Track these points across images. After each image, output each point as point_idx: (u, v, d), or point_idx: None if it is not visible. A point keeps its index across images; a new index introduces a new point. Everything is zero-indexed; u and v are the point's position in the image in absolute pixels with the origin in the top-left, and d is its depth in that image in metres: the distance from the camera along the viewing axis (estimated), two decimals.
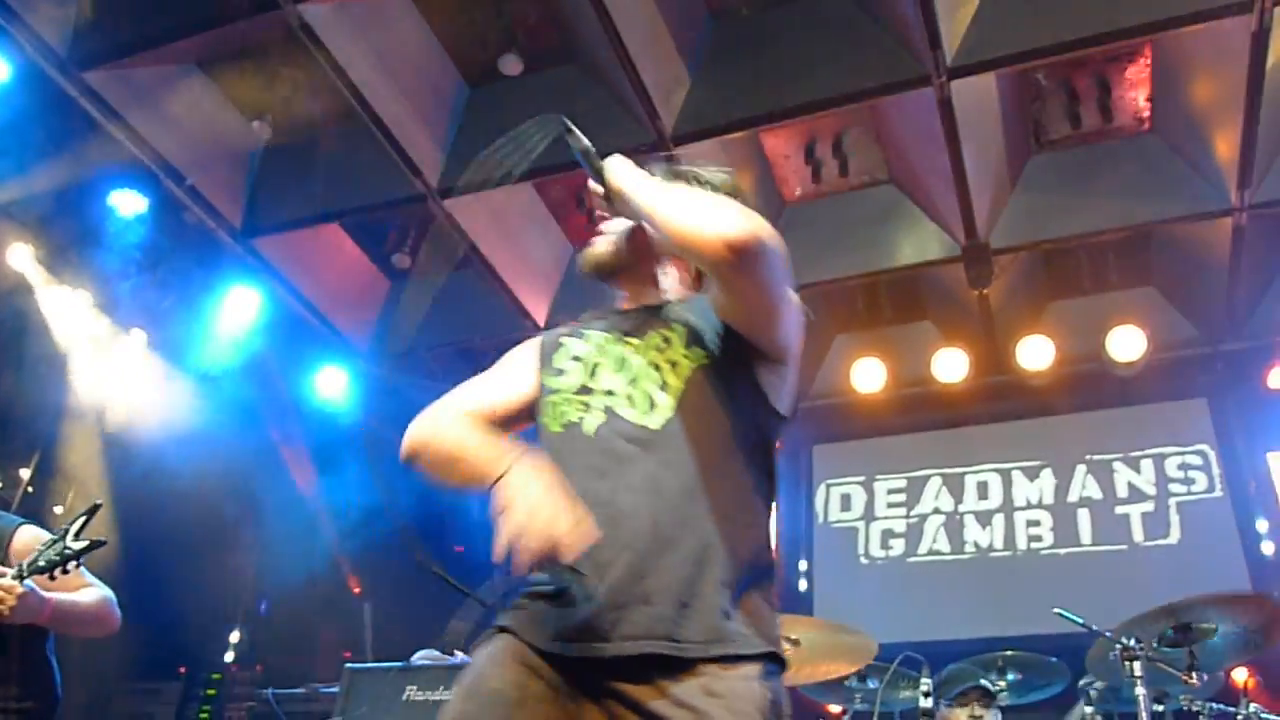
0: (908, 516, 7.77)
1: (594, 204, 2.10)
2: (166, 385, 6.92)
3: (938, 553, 7.59)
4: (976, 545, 7.52)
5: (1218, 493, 7.06)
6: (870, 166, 6.50)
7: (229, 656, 7.44)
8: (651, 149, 5.76)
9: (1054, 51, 5.26)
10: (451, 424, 1.98)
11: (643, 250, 2.08)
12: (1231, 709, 4.02)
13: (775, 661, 1.75)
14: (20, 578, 2.85)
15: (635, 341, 1.96)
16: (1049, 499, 7.49)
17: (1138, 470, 7.36)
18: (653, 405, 1.86)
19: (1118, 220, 6.29)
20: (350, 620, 7.67)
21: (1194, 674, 3.80)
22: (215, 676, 6.45)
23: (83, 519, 2.97)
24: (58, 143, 5.75)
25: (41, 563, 2.89)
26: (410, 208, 6.47)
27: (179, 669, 6.95)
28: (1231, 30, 4.98)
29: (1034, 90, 5.96)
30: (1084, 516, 7.33)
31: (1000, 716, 4.54)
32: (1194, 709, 4.03)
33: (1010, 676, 4.75)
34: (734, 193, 2.03)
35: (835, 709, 5.55)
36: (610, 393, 1.90)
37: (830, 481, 8.16)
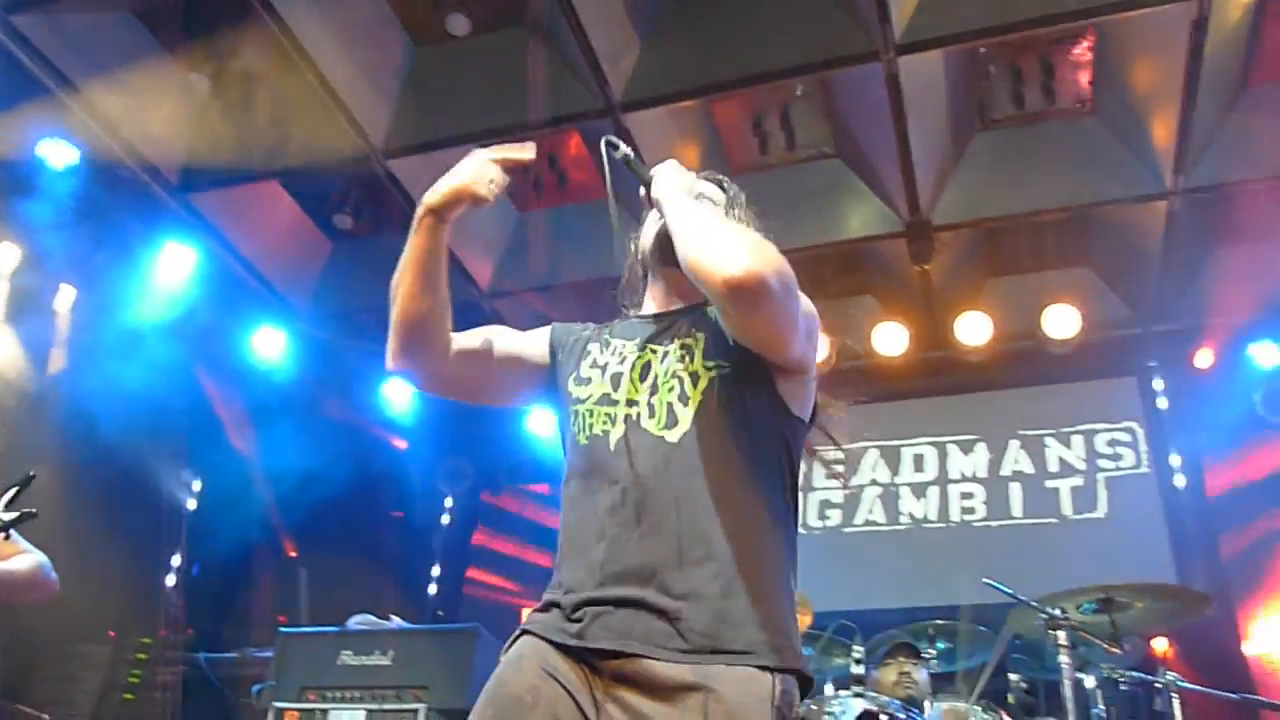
0: (845, 487, 7.87)
1: (647, 206, 2.13)
2: (97, 342, 6.76)
3: (874, 523, 7.70)
4: (911, 516, 7.64)
5: (1144, 469, 7.25)
6: (817, 140, 6.52)
7: (160, 620, 7.33)
8: (599, 116, 5.73)
9: (1000, 31, 5.32)
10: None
11: None
12: (1150, 677, 4.15)
13: (799, 677, 1.77)
14: None
15: (658, 350, 1.98)
16: (983, 472, 7.63)
17: (1068, 446, 7.52)
18: (673, 418, 1.88)
19: (1057, 200, 6.39)
20: (285, 584, 7.60)
21: (1115, 643, 3.91)
22: (145, 640, 6.34)
23: (14, 490, 2.91)
24: None
25: None
26: (354, 167, 6.37)
27: (108, 632, 6.84)
28: (1173, 17, 5.07)
29: (980, 69, 6.01)
30: (1016, 490, 7.48)
31: (927, 675, 4.64)
32: (1115, 677, 4.16)
33: (940, 645, 4.86)
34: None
35: None
36: (632, 403, 1.92)
37: None
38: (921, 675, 4.63)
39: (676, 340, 1.97)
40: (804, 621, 4.50)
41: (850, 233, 6.71)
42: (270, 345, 7.36)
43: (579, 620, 1.75)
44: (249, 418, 7.59)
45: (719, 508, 1.79)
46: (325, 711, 4.18)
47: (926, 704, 4.35)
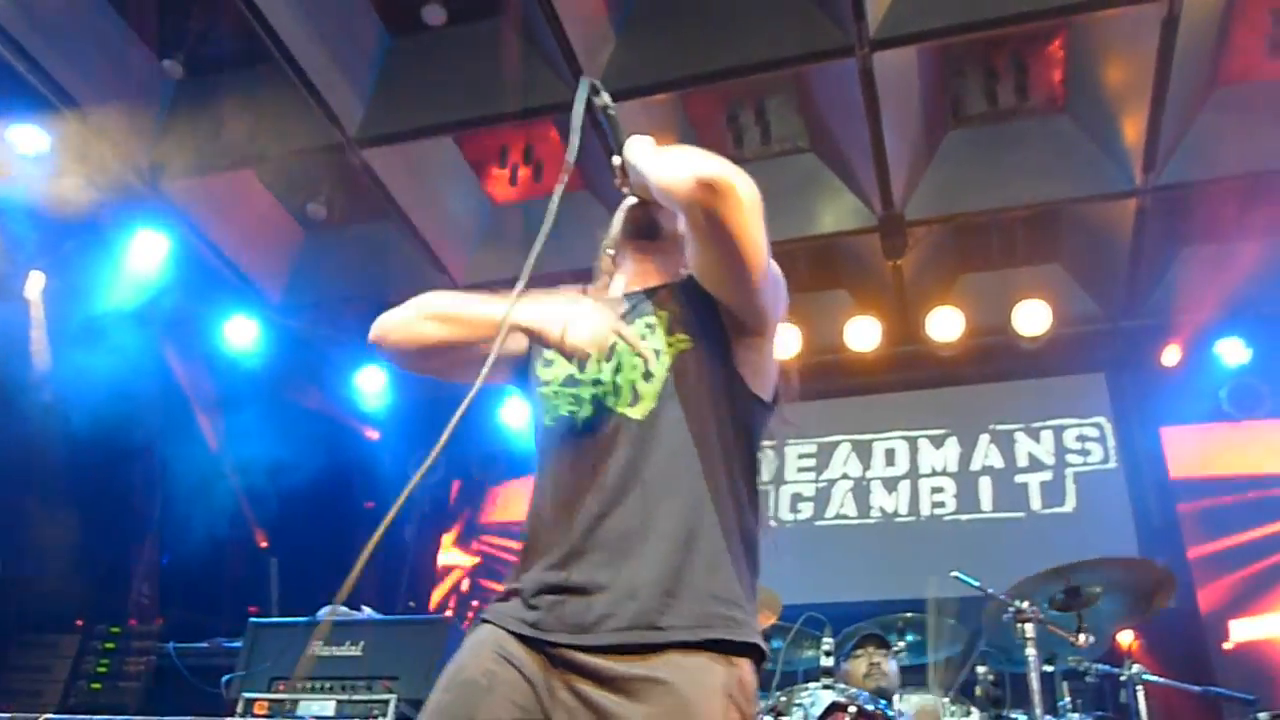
0: (817, 481, 7.92)
1: (617, 179, 2.15)
2: (68, 330, 6.70)
3: (845, 517, 7.75)
4: (882, 510, 7.69)
5: (1112, 464, 7.33)
6: (791, 134, 6.54)
7: (129, 609, 7.28)
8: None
9: (974, 28, 5.35)
10: (438, 295, 2.05)
11: (667, 226, 2.12)
12: (1116, 670, 4.21)
13: (754, 652, 1.79)
14: None
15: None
16: (953, 467, 7.69)
17: (1038, 440, 7.60)
18: (637, 396, 1.89)
19: (1028, 197, 6.45)
20: (256, 574, 7.57)
21: (1082, 636, 3.96)
22: (114, 629, 6.28)
23: None
24: None
25: None
26: (327, 156, 6.33)
27: (76, 621, 6.79)
28: (1144, 16, 5.12)
29: (953, 66, 6.05)
30: (985, 484, 7.55)
31: (897, 667, 4.68)
32: (1081, 669, 4.22)
33: (910, 637, 4.91)
34: None
35: None
36: (597, 383, 1.92)
37: None
38: (891, 667, 4.68)
39: (641, 319, 1.98)
40: (769, 618, 4.53)
41: (824, 227, 6.73)
42: (242, 334, 7.32)
43: (537, 608, 1.76)
44: (220, 407, 7.55)
45: (684, 484, 1.81)
46: (295, 702, 4.17)
47: (895, 697, 4.40)
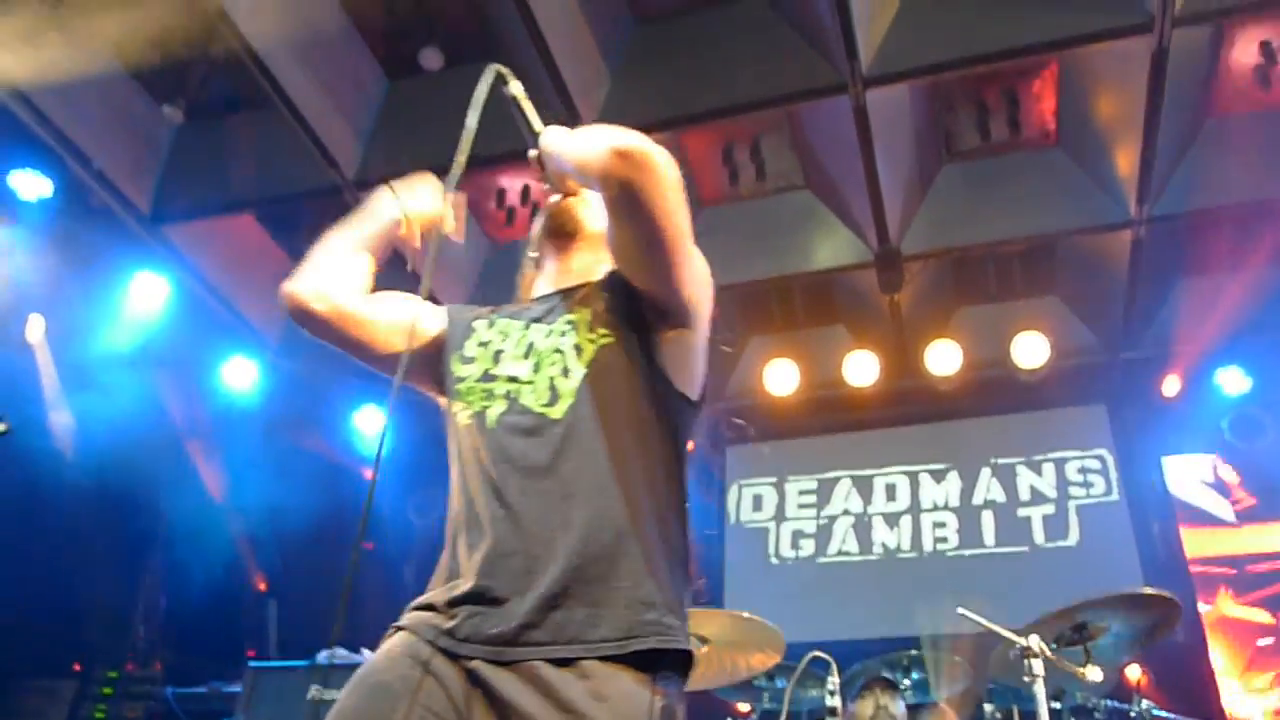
0: (818, 517, 7.88)
1: (533, 173, 2.11)
2: (67, 373, 6.70)
3: (847, 553, 7.71)
4: (884, 546, 7.66)
5: (1115, 496, 7.30)
6: (786, 172, 6.58)
7: (127, 654, 7.23)
8: None
9: (965, 64, 5.40)
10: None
11: (588, 224, 2.07)
12: (1125, 706, 4.17)
13: (680, 662, 1.69)
14: None
15: (543, 327, 1.92)
16: (955, 501, 7.67)
17: (1039, 473, 7.57)
18: (555, 393, 1.80)
19: (1023, 230, 6.47)
20: (254, 618, 7.52)
21: (1090, 669, 3.92)
22: (112, 674, 6.26)
23: None
24: None
25: None
26: (326, 199, 6.36)
27: (74, 666, 6.74)
28: (1133, 49, 5.16)
29: (946, 102, 6.10)
30: (988, 518, 7.52)
31: (904, 706, 4.64)
32: (1090, 705, 4.17)
33: (915, 675, 4.86)
34: None
35: (744, 708, 5.61)
36: (514, 379, 1.85)
37: (742, 482, 8.24)
38: (899, 709, 4.62)
39: (562, 316, 1.91)
40: (773, 658, 4.49)
41: (820, 263, 6.76)
42: (241, 376, 7.32)
43: (454, 619, 1.67)
44: (219, 449, 7.54)
45: (605, 484, 1.72)
46: None
47: None
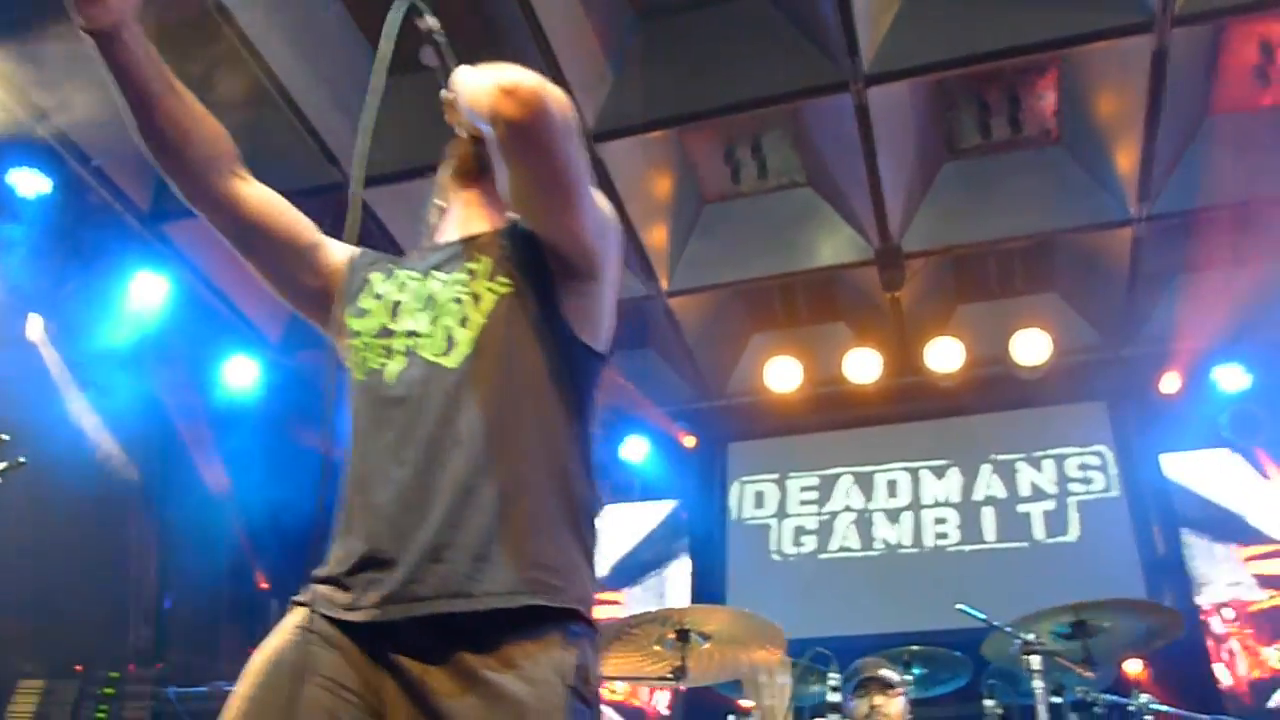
0: (819, 514, 7.90)
1: (447, 115, 2.02)
2: (66, 371, 6.71)
3: (848, 549, 7.72)
4: (886, 542, 7.67)
5: (1114, 492, 7.32)
6: (788, 169, 6.59)
7: (128, 654, 7.23)
8: None
9: (966, 63, 5.41)
10: None
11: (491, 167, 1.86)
12: (1124, 700, 4.18)
13: (581, 620, 1.62)
14: None
15: (443, 277, 1.83)
16: (955, 497, 7.68)
17: (1039, 470, 7.59)
18: (451, 343, 1.73)
19: (1024, 228, 6.49)
20: (257, 617, 7.52)
21: (1089, 667, 3.94)
22: (113, 675, 6.25)
23: None
24: None
25: None
26: (326, 196, 6.36)
27: (74, 667, 6.74)
28: (1134, 49, 5.17)
29: (947, 100, 6.11)
30: (988, 514, 7.53)
31: (904, 704, 4.64)
32: (1089, 700, 4.18)
33: (916, 670, 4.86)
34: None
35: (746, 704, 5.62)
36: (413, 333, 1.77)
37: (744, 478, 8.25)
38: (895, 708, 4.62)
39: (463, 265, 1.82)
40: (775, 654, 4.50)
41: (822, 260, 6.77)
42: (242, 374, 7.32)
43: (351, 588, 1.60)
44: (220, 447, 7.54)
45: (500, 436, 1.65)
46: None
47: None
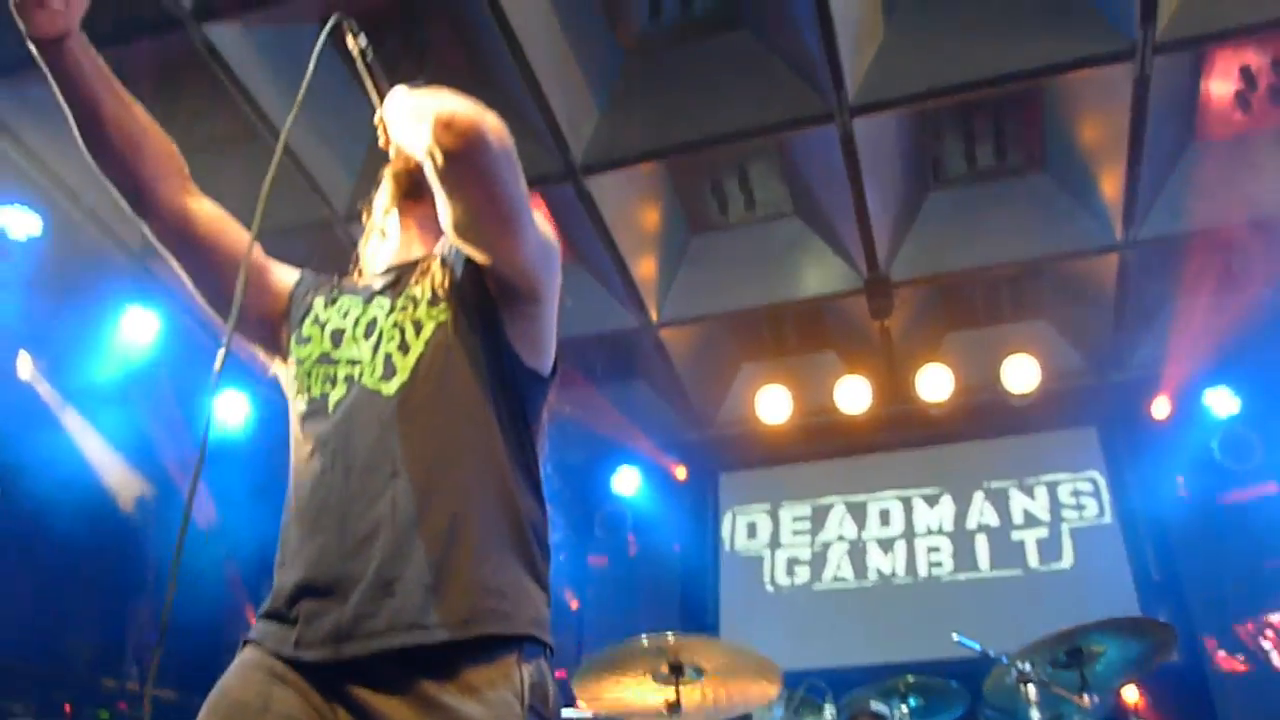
0: (812, 544, 7.87)
1: (381, 139, 2.01)
2: (55, 409, 6.68)
3: (842, 580, 7.70)
4: (879, 572, 7.64)
5: (1107, 519, 7.31)
6: (775, 200, 6.62)
7: (119, 691, 7.16)
8: (560, 179, 5.80)
9: (950, 92, 5.45)
10: None
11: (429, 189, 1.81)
12: None
13: (536, 644, 1.63)
14: None
15: (384, 303, 1.83)
16: (949, 526, 7.67)
17: (1032, 497, 7.58)
18: (390, 369, 1.72)
19: (1011, 255, 6.52)
20: None
21: (1086, 695, 3.92)
22: (103, 715, 6.19)
23: None
24: None
25: None
26: (316, 233, 6.37)
27: (64, 707, 6.68)
28: (1116, 76, 5.22)
29: (932, 130, 6.14)
30: (982, 542, 7.52)
31: None
32: None
33: (913, 701, 4.84)
34: None
35: None
36: (354, 361, 1.77)
37: (736, 509, 8.23)
38: None
39: (404, 291, 1.82)
40: (773, 687, 4.47)
41: (810, 290, 6.79)
42: (233, 410, 7.30)
43: (295, 622, 1.59)
44: (210, 482, 7.50)
45: (443, 464, 1.65)
46: None
47: None
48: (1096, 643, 3.97)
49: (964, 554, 7.51)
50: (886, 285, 6.51)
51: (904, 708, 4.81)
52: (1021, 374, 7.07)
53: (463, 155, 1.60)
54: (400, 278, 1.87)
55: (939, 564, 7.54)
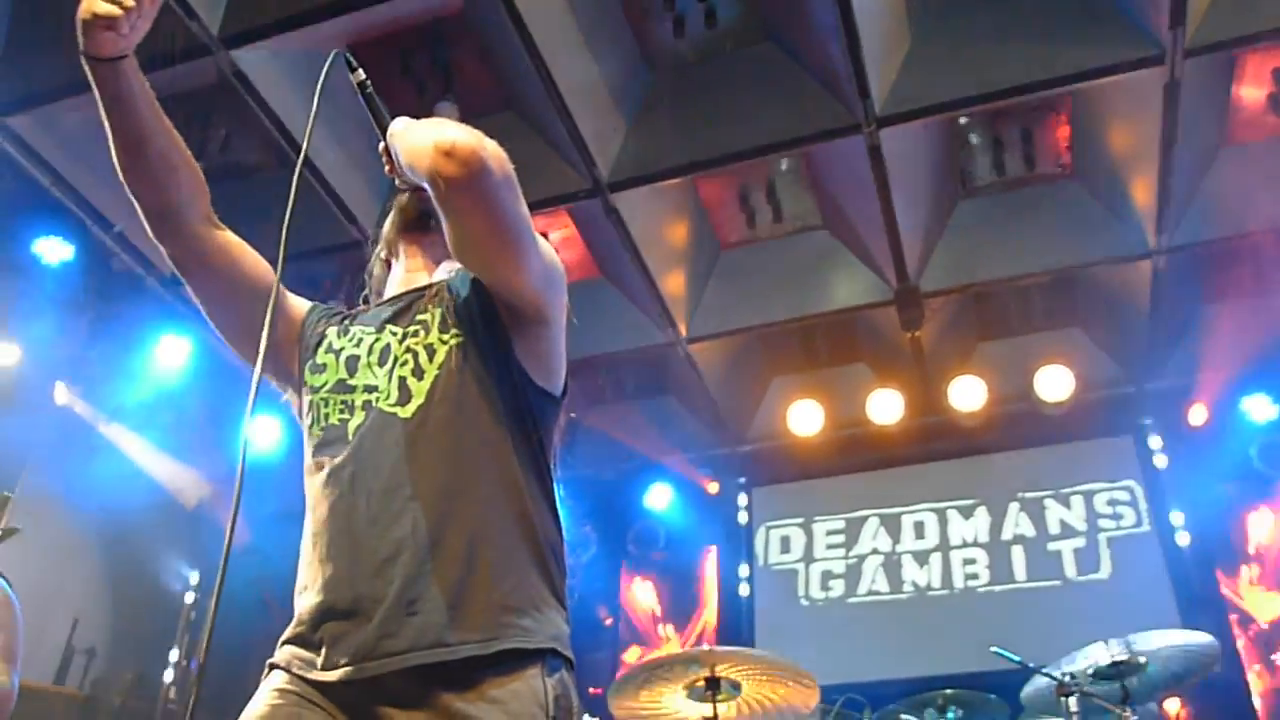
0: (846, 557, 7.81)
1: (386, 167, 2.02)
2: (91, 436, 6.75)
3: (877, 593, 7.63)
4: (915, 585, 7.57)
5: (1145, 527, 7.21)
6: (803, 212, 6.61)
7: (157, 718, 7.20)
8: (588, 196, 5.81)
9: (978, 101, 5.43)
10: None
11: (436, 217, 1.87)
12: None
13: (557, 658, 1.65)
14: None
15: (397, 330, 1.86)
16: (984, 537, 7.59)
17: (1068, 506, 7.49)
18: (406, 393, 1.76)
19: (1042, 264, 6.47)
20: None
21: (1127, 708, 3.86)
22: None
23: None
24: None
25: None
26: (345, 255, 6.42)
27: None
28: (1146, 82, 5.18)
29: (960, 138, 6.12)
30: (1018, 553, 7.43)
31: None
32: None
33: (951, 715, 4.79)
34: None
35: None
36: (370, 388, 1.80)
37: (770, 524, 8.18)
38: None
39: (416, 318, 1.85)
40: (811, 699, 4.44)
41: (840, 302, 6.77)
42: (265, 434, 7.35)
43: (320, 645, 1.62)
44: (245, 506, 7.55)
45: (461, 486, 1.68)
46: None
47: None
48: (1138, 655, 3.91)
49: (1000, 565, 7.42)
50: (917, 296, 6.47)
51: None
52: (1055, 383, 7.00)
53: (464, 182, 1.63)
54: (411, 304, 1.90)
55: (975, 576, 7.46)
